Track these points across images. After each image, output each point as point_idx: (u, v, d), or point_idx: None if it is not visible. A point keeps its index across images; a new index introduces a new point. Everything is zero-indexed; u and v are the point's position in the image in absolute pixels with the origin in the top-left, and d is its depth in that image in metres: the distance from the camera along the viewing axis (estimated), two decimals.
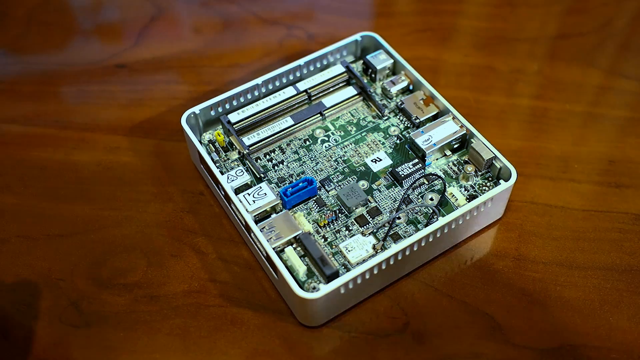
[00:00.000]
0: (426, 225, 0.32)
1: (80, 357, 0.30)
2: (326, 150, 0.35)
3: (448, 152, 0.35)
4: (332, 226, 0.32)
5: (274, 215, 0.32)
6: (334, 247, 0.31)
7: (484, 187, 0.33)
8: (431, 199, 0.33)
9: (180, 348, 0.30)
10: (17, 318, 0.31)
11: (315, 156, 0.35)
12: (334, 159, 0.35)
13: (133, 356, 0.30)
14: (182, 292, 0.32)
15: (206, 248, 0.34)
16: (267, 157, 0.35)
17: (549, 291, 0.32)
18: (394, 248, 0.29)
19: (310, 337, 0.30)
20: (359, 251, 0.31)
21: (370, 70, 0.38)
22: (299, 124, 0.35)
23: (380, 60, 0.38)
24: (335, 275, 0.30)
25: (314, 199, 0.33)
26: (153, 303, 0.31)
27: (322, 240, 0.32)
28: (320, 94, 0.37)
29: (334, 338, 0.30)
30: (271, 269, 0.31)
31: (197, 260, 0.33)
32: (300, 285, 0.29)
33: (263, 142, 0.35)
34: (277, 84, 0.37)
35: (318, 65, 0.38)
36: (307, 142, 0.36)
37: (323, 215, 0.33)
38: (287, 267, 0.30)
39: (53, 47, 0.44)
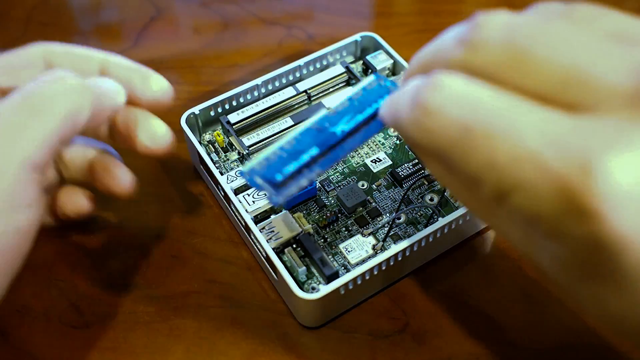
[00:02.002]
0: (426, 226, 0.32)
1: (79, 358, 0.30)
2: None
3: None
4: (332, 227, 0.32)
5: (273, 216, 0.32)
6: (333, 247, 0.31)
7: None
8: (431, 199, 0.33)
9: (179, 349, 0.30)
10: (17, 319, 0.31)
11: None
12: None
13: (132, 357, 0.30)
14: (181, 293, 0.32)
15: (206, 249, 0.33)
16: None
17: (549, 291, 0.32)
18: (394, 249, 0.29)
19: (310, 337, 0.30)
20: (359, 252, 0.31)
21: (370, 70, 0.38)
22: (299, 125, 0.35)
23: (380, 61, 0.38)
24: (335, 275, 0.30)
25: (314, 199, 0.33)
26: (152, 304, 0.31)
27: (322, 240, 0.32)
28: (320, 95, 0.37)
29: (333, 338, 0.30)
30: (271, 270, 0.31)
31: (197, 261, 0.33)
32: (300, 285, 0.29)
33: (263, 142, 0.35)
34: (277, 84, 0.37)
35: (318, 65, 0.38)
36: None
37: (323, 216, 0.33)
38: (286, 267, 0.30)
39: None
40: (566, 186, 0.17)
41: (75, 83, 0.24)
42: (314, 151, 0.24)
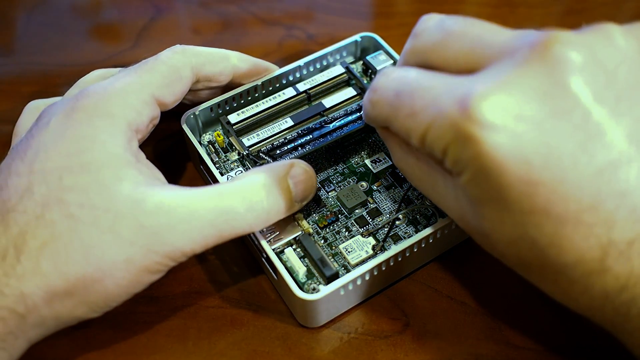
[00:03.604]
0: (426, 226, 0.32)
1: (79, 358, 0.30)
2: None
3: None
4: (332, 227, 0.32)
5: None
6: (333, 248, 0.31)
7: None
8: None
9: (179, 349, 0.30)
10: None
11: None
12: (333, 159, 0.35)
13: (132, 357, 0.30)
14: (181, 293, 0.32)
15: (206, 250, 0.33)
16: None
17: None
18: (394, 249, 0.29)
19: (310, 338, 0.30)
20: (359, 252, 0.31)
21: (370, 70, 0.38)
22: (299, 125, 0.35)
23: (380, 61, 0.38)
24: (335, 276, 0.30)
25: (314, 200, 0.33)
26: (152, 304, 0.31)
27: (322, 241, 0.32)
28: (320, 95, 0.37)
29: (333, 339, 0.30)
30: (271, 270, 0.31)
31: (197, 261, 0.33)
32: (300, 286, 0.29)
33: (263, 142, 0.35)
34: (277, 84, 0.37)
35: (318, 65, 0.38)
36: None
37: (323, 217, 0.33)
38: (286, 268, 0.30)
39: (52, 47, 0.44)
40: (454, 121, 0.22)
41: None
42: (308, 137, 0.34)
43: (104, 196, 0.25)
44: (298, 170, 0.29)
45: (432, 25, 0.26)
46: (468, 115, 0.22)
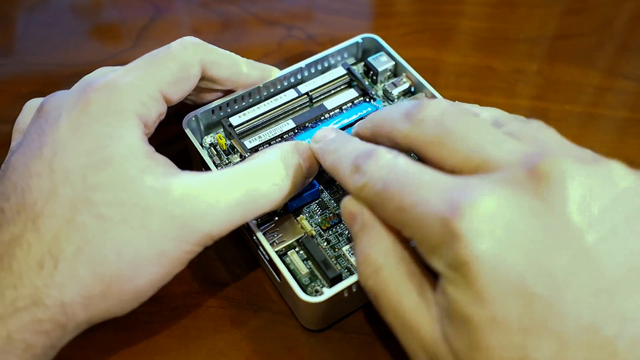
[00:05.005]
0: None
1: (79, 358, 0.30)
2: None
3: None
4: (334, 229, 0.32)
5: (276, 219, 0.32)
6: (336, 250, 0.31)
7: None
8: None
9: (179, 349, 0.30)
10: None
11: None
12: None
13: (132, 357, 0.30)
14: (182, 293, 0.32)
15: (206, 249, 0.33)
16: None
17: None
18: None
19: (310, 338, 0.30)
20: None
21: (371, 72, 0.38)
22: (301, 127, 0.35)
23: (382, 62, 0.38)
24: (339, 278, 0.30)
25: (316, 202, 0.33)
26: (153, 304, 0.31)
27: (325, 243, 0.32)
28: (322, 97, 0.37)
29: (333, 339, 0.30)
30: (274, 273, 0.30)
31: (197, 261, 0.33)
32: (304, 288, 0.29)
33: (265, 145, 0.35)
34: (279, 87, 0.37)
35: (319, 67, 0.38)
36: None
37: (325, 219, 0.32)
38: (289, 270, 0.30)
39: (52, 47, 0.44)
40: (444, 217, 0.21)
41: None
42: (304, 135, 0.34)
43: (130, 191, 0.25)
44: (303, 146, 0.30)
45: (431, 118, 0.25)
46: (459, 217, 0.21)
